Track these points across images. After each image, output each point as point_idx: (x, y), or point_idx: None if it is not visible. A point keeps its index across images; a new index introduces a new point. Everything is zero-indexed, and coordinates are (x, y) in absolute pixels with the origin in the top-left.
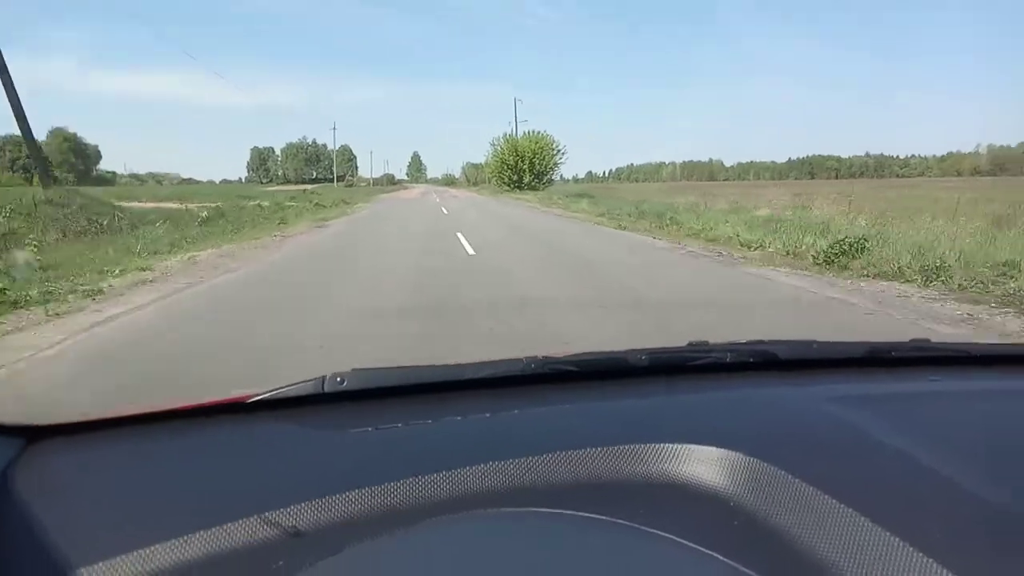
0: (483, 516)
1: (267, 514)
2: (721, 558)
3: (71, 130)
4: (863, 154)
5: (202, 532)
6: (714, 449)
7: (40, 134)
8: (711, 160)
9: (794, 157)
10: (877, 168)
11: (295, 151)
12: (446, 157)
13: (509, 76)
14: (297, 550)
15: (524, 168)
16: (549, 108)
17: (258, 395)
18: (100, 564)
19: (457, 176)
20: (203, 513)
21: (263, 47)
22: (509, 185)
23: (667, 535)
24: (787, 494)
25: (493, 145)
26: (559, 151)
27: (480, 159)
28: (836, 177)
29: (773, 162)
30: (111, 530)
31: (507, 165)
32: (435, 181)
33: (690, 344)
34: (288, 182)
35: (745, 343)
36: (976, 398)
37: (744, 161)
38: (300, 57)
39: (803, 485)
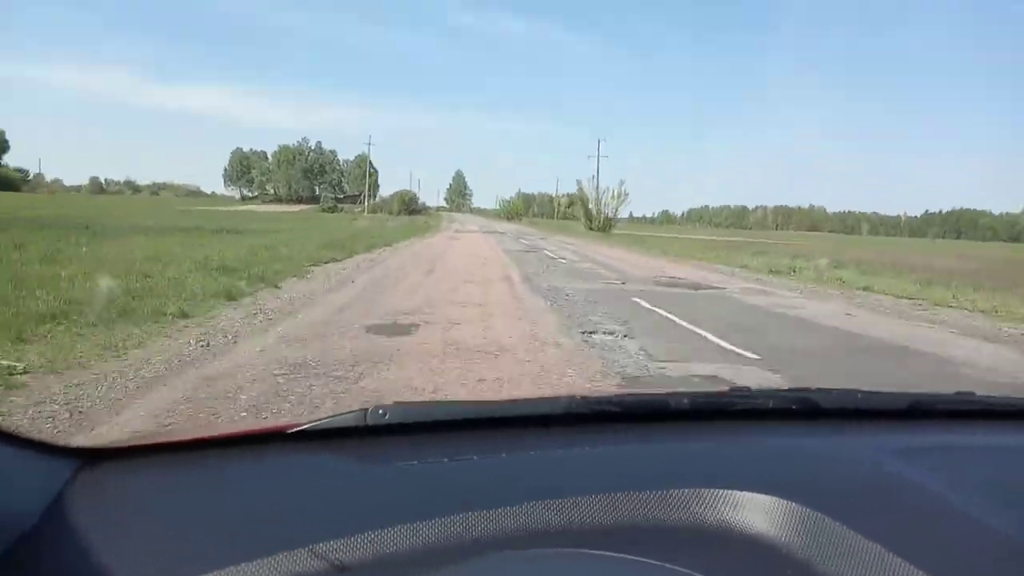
0: (526, 556)
1: (314, 547)
2: None
3: None
4: (1019, 211)
5: (247, 564)
6: (765, 497)
7: None
8: (812, 206)
9: (932, 210)
10: None
11: (290, 156)
12: (498, 184)
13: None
14: None
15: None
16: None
17: (301, 425)
18: None
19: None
20: (247, 543)
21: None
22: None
23: None
24: (841, 545)
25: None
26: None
27: (535, 190)
28: (992, 239)
29: (876, 213)
30: (157, 558)
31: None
32: (482, 212)
33: (733, 389)
34: (278, 199)
35: (788, 390)
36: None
37: (852, 210)
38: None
39: (857, 537)
